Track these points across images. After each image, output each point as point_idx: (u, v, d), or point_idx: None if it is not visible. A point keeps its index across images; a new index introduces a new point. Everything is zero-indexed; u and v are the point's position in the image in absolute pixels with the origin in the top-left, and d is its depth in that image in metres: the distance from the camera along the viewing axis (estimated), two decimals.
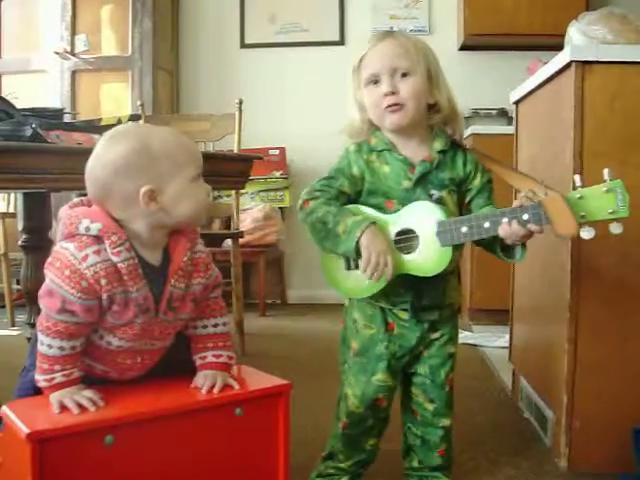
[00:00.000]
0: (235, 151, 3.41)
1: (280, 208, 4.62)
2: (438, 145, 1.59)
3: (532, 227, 1.43)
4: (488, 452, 1.97)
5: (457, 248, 1.54)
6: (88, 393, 1.27)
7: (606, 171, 1.39)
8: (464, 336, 3.37)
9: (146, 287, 1.31)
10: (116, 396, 1.31)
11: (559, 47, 1.94)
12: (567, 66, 1.81)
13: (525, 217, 1.43)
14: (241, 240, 3.46)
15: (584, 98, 1.76)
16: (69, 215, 1.30)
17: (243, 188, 3.10)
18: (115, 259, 1.26)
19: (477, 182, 1.61)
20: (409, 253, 1.53)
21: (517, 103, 2.53)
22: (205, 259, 1.42)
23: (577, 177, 1.43)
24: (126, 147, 1.28)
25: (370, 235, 1.47)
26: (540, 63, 2.59)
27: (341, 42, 4.86)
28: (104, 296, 1.26)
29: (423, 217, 1.51)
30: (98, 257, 1.25)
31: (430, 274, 1.51)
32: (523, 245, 1.51)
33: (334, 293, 1.66)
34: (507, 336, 2.69)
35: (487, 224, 1.47)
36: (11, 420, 1.21)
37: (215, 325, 1.46)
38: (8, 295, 3.95)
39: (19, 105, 2.54)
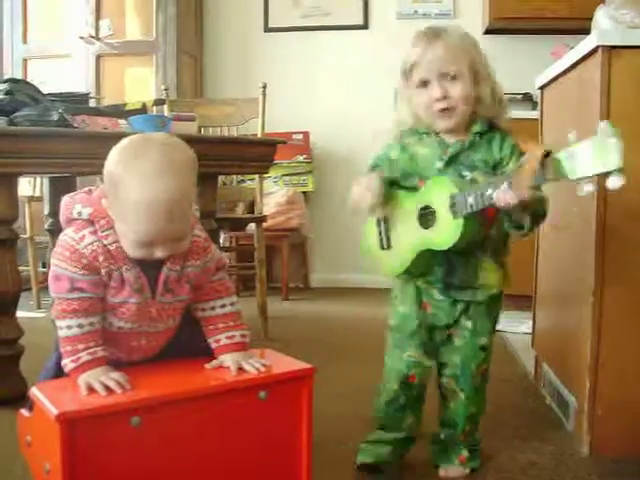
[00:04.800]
0: (259, 135, 3.41)
1: (303, 192, 4.62)
2: (476, 127, 1.62)
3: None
4: (510, 437, 1.97)
5: (472, 221, 1.51)
6: (115, 375, 1.29)
7: (571, 135, 1.31)
8: None
9: (136, 268, 1.35)
10: (142, 378, 1.33)
11: (586, 31, 1.92)
12: (594, 51, 1.79)
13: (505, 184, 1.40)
14: (264, 224, 3.48)
15: (611, 83, 1.74)
16: (65, 202, 1.38)
17: (267, 172, 3.12)
18: (105, 241, 1.33)
19: (512, 166, 1.56)
20: (429, 228, 1.57)
21: (542, 88, 2.51)
22: (201, 242, 1.45)
23: (571, 135, 1.32)
24: (113, 159, 1.31)
25: (364, 178, 1.62)
26: (566, 48, 2.56)
27: (365, 26, 4.83)
28: (102, 271, 1.33)
29: (439, 192, 1.54)
30: (93, 237, 1.33)
31: (444, 247, 1.53)
32: (535, 216, 1.49)
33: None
34: (530, 322, 2.68)
35: (489, 191, 1.44)
36: (40, 401, 1.24)
37: (223, 306, 1.49)
38: (35, 278, 4.00)
39: (45, 90, 2.56)
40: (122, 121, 2.48)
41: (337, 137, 4.75)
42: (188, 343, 1.50)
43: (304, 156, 4.67)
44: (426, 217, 1.58)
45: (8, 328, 2.20)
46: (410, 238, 1.61)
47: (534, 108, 4.05)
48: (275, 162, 2.92)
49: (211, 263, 1.47)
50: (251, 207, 4.12)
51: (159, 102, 3.16)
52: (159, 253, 1.32)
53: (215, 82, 5.00)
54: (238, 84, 4.77)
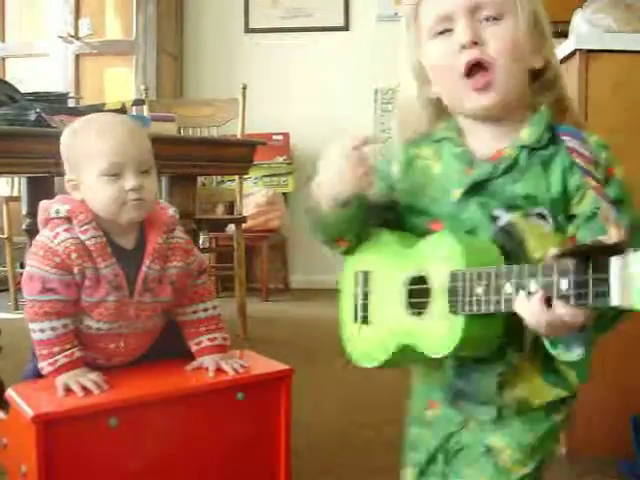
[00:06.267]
0: (239, 136, 3.41)
1: (283, 193, 4.62)
2: (527, 135, 0.96)
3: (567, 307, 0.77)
4: None
5: (481, 325, 0.89)
6: (93, 376, 1.29)
7: None
8: None
9: (116, 265, 1.35)
10: (120, 379, 1.33)
11: (564, 34, 1.94)
12: (571, 54, 1.81)
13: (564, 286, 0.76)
14: (244, 225, 3.47)
15: (588, 86, 1.76)
16: (42, 205, 1.38)
17: (247, 174, 3.11)
18: (82, 237, 1.32)
19: (587, 206, 0.92)
20: (419, 314, 0.95)
21: None
22: (183, 245, 1.45)
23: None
24: (64, 135, 1.39)
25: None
26: None
27: (345, 27, 4.84)
28: (75, 270, 1.31)
29: (439, 259, 0.93)
30: (68, 234, 1.32)
31: (434, 355, 0.92)
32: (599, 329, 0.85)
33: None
34: None
35: (508, 287, 0.82)
36: (16, 403, 1.23)
37: (205, 309, 1.49)
38: (12, 278, 3.98)
39: (23, 89, 2.54)
40: None
41: (317, 138, 4.74)
42: (169, 349, 1.49)
43: (284, 157, 4.68)
44: (419, 294, 0.95)
45: None
46: (391, 321, 1.00)
47: None
48: (255, 163, 2.91)
49: (194, 265, 1.47)
50: (231, 208, 4.11)
51: (138, 102, 3.15)
52: (132, 194, 1.32)
53: (195, 82, 4.99)
54: (218, 85, 4.76)
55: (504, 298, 0.83)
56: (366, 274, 1.06)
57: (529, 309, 0.80)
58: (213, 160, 2.64)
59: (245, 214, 3.63)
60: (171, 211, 1.45)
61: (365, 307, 1.05)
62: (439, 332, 0.91)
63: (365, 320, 1.05)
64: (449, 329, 0.89)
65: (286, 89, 4.86)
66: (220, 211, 4.50)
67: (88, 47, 4.54)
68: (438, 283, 0.92)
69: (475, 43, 0.93)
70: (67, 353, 1.31)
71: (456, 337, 0.88)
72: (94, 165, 1.32)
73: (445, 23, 0.96)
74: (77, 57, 4.56)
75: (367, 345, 1.04)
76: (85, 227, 1.33)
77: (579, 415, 1.83)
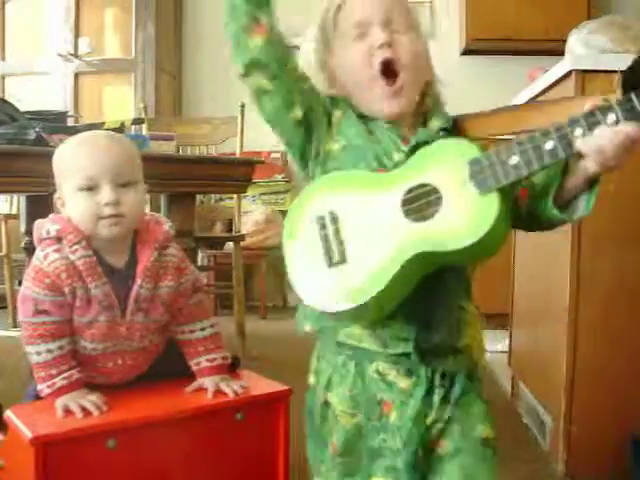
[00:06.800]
0: (237, 154, 3.42)
1: (281, 211, 4.63)
2: (437, 123, 1.10)
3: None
4: None
5: (506, 203, 0.97)
6: (92, 397, 1.29)
7: None
8: None
9: (107, 285, 1.33)
10: (119, 400, 1.32)
11: (561, 52, 1.96)
12: (567, 74, 1.83)
13: (611, 117, 0.90)
14: (242, 243, 3.48)
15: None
16: (37, 224, 1.38)
17: (245, 192, 3.12)
18: (72, 257, 1.31)
19: None
20: (426, 219, 0.98)
21: None
22: (176, 263, 1.43)
23: None
24: (54, 154, 1.39)
25: None
26: (541, 71, 2.60)
27: None
28: (66, 290, 1.30)
29: (445, 162, 1.00)
30: (57, 254, 1.31)
31: (466, 242, 0.93)
32: (590, 187, 0.98)
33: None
34: (506, 340, 2.70)
35: (550, 144, 0.92)
36: (15, 424, 1.23)
37: (202, 329, 1.47)
38: (11, 296, 3.97)
39: (22, 107, 2.55)
40: None
41: None
42: (171, 368, 1.47)
43: (282, 175, 4.69)
44: (417, 204, 0.99)
45: None
46: (390, 240, 0.98)
47: None
48: (253, 181, 2.92)
49: (187, 284, 1.45)
50: (229, 225, 4.12)
51: (138, 121, 3.16)
52: (107, 209, 1.30)
53: (194, 101, 5.00)
54: (217, 103, 4.77)
55: (547, 154, 0.92)
56: (332, 213, 1.03)
57: (607, 136, 0.89)
58: (212, 179, 2.65)
59: (243, 232, 3.64)
60: (166, 227, 1.43)
61: (341, 244, 1.02)
62: (465, 221, 0.94)
63: (344, 258, 1.01)
64: (481, 210, 0.93)
65: None
66: (218, 229, 4.50)
67: (87, 65, 4.56)
68: (450, 179, 0.97)
69: (389, 46, 1.06)
70: (65, 375, 1.31)
71: (493, 212, 0.93)
72: (72, 179, 1.31)
73: (362, 28, 1.08)
74: (77, 75, 4.58)
75: (350, 282, 0.99)
76: (75, 247, 1.31)
77: (577, 434, 1.83)
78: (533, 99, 2.29)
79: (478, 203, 0.94)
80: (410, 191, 0.99)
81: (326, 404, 1.12)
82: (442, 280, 1.03)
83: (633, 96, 0.90)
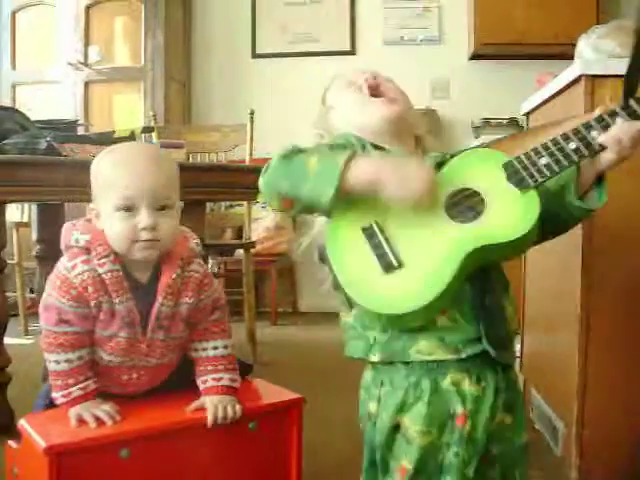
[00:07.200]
0: (247, 161, 3.43)
1: (291, 217, 4.63)
2: (433, 158, 1.21)
3: None
4: None
5: (540, 200, 1.10)
6: (106, 407, 1.29)
7: None
8: None
9: (131, 301, 1.32)
10: (132, 410, 1.33)
11: (570, 56, 1.96)
12: (577, 80, 1.82)
13: (619, 120, 1.09)
14: (253, 250, 3.48)
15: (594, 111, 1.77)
16: (65, 228, 1.36)
17: (255, 199, 3.12)
18: (100, 270, 1.30)
19: None
20: (475, 219, 1.10)
21: (528, 114, 2.54)
22: (199, 278, 1.40)
23: None
24: (93, 162, 1.37)
25: (364, 159, 1.11)
26: (550, 76, 2.59)
27: (352, 52, 4.87)
28: (92, 303, 1.29)
29: (480, 168, 1.13)
30: (86, 266, 1.30)
31: (518, 234, 1.06)
32: (599, 182, 1.14)
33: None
34: (518, 346, 2.69)
35: (573, 145, 1.09)
36: (28, 433, 1.23)
37: (215, 348, 1.44)
38: (22, 304, 3.98)
39: (33, 116, 2.57)
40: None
41: None
42: (186, 381, 1.44)
43: None
44: (461, 207, 1.10)
45: None
46: (442, 242, 1.08)
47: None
48: None
49: (207, 301, 1.42)
50: (239, 232, 4.12)
51: (147, 130, 3.16)
52: (144, 234, 1.28)
53: (203, 108, 5.02)
54: (226, 110, 4.78)
55: (572, 152, 1.09)
56: (377, 223, 1.11)
57: (623, 129, 1.08)
58: (222, 186, 2.65)
59: (254, 238, 3.64)
60: (193, 243, 1.41)
61: (394, 251, 1.09)
62: (514, 216, 1.07)
63: (400, 263, 1.08)
64: (526, 205, 1.08)
65: (294, 114, 4.87)
66: (228, 236, 4.50)
67: (97, 74, 4.58)
68: (490, 182, 1.10)
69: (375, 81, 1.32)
70: (81, 386, 1.31)
71: (536, 205, 1.07)
72: (109, 197, 1.29)
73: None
74: (86, 84, 4.61)
75: (411, 286, 1.07)
76: (103, 260, 1.30)
77: (590, 440, 1.82)
78: (541, 105, 2.29)
79: (521, 200, 1.08)
80: (453, 196, 1.10)
81: (395, 428, 1.13)
82: (490, 281, 1.14)
83: (632, 102, 1.09)
